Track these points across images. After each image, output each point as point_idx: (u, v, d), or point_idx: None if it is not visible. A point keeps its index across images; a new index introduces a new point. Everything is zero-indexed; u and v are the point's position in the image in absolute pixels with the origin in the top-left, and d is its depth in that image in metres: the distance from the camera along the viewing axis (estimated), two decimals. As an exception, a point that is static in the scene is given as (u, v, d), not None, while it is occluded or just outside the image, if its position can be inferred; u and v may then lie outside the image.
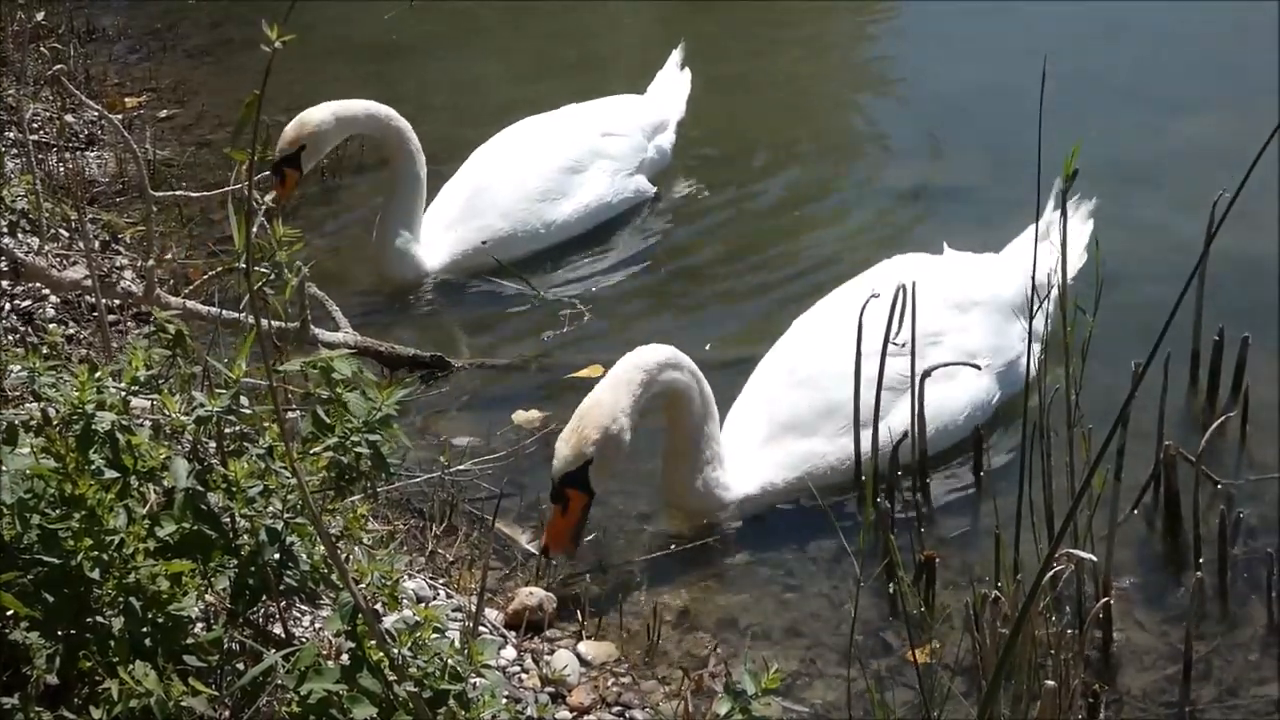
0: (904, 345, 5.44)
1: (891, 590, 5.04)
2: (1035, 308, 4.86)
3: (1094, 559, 4.56)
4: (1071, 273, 5.92)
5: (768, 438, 5.68)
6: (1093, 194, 6.31)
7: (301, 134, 6.92)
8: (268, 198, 6.82)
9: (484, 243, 7.30)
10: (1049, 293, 4.89)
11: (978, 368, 5.82)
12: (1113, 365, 5.01)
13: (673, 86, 8.42)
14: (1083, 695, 4.41)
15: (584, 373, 6.37)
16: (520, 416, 6.22)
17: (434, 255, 7.33)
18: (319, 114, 6.98)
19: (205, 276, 6.69)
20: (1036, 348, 6.06)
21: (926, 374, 5.50)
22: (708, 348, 6.45)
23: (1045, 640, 4.38)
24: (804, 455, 5.63)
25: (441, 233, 7.38)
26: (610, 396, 5.27)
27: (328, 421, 3.58)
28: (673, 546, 5.43)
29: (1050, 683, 4.23)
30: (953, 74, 9.55)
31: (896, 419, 5.57)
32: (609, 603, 5.12)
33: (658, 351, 5.38)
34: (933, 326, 5.72)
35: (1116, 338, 5.00)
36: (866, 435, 5.52)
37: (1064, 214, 4.63)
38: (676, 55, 8.51)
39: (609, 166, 7.75)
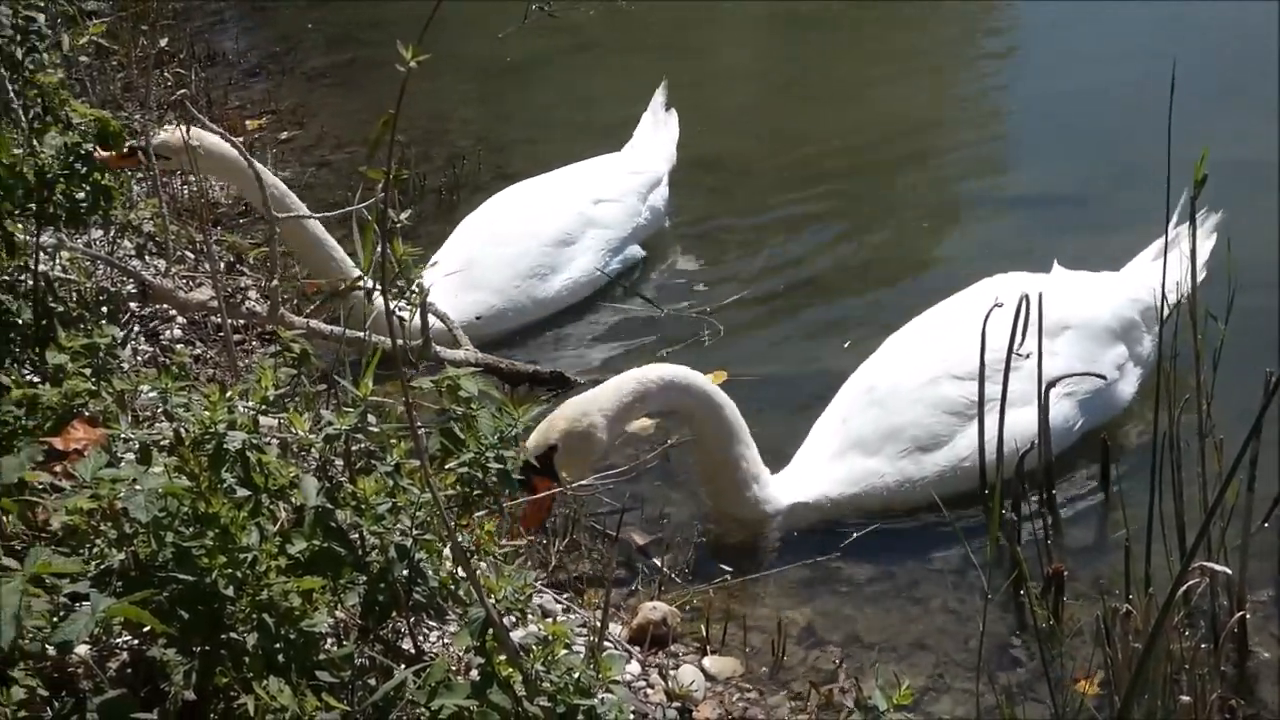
0: (1029, 356, 5.37)
1: (1021, 602, 4.98)
2: (1163, 319, 4.79)
3: (1228, 571, 4.48)
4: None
5: (837, 453, 5.69)
6: (1218, 203, 6.17)
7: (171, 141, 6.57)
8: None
9: (477, 318, 7.15)
10: (1178, 303, 4.80)
11: (1103, 378, 5.76)
12: (1240, 373, 4.91)
13: (657, 137, 8.07)
14: (1219, 710, 4.33)
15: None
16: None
17: None
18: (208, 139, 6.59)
19: (323, 297, 6.72)
20: (1132, 366, 5.99)
21: (1051, 385, 5.43)
22: (845, 345, 6.49)
23: (1179, 655, 4.30)
24: (863, 473, 5.62)
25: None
26: (593, 396, 5.33)
27: (461, 437, 3.61)
28: (794, 562, 5.42)
29: (1185, 698, 4.16)
30: (1068, 77, 9.48)
31: (963, 443, 5.55)
32: (732, 618, 5.11)
33: (664, 369, 5.43)
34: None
35: (1245, 345, 4.90)
36: (932, 457, 5.59)
37: (1193, 222, 4.56)
38: (660, 96, 8.15)
39: (600, 236, 7.52)
